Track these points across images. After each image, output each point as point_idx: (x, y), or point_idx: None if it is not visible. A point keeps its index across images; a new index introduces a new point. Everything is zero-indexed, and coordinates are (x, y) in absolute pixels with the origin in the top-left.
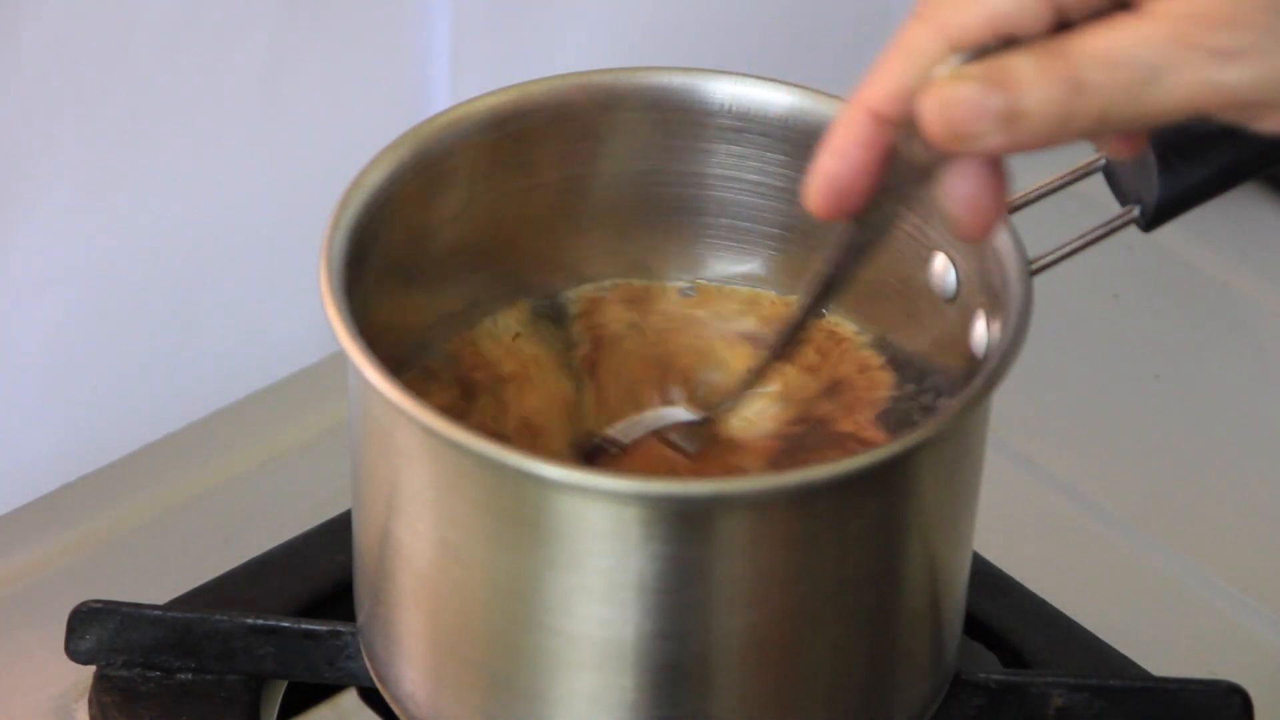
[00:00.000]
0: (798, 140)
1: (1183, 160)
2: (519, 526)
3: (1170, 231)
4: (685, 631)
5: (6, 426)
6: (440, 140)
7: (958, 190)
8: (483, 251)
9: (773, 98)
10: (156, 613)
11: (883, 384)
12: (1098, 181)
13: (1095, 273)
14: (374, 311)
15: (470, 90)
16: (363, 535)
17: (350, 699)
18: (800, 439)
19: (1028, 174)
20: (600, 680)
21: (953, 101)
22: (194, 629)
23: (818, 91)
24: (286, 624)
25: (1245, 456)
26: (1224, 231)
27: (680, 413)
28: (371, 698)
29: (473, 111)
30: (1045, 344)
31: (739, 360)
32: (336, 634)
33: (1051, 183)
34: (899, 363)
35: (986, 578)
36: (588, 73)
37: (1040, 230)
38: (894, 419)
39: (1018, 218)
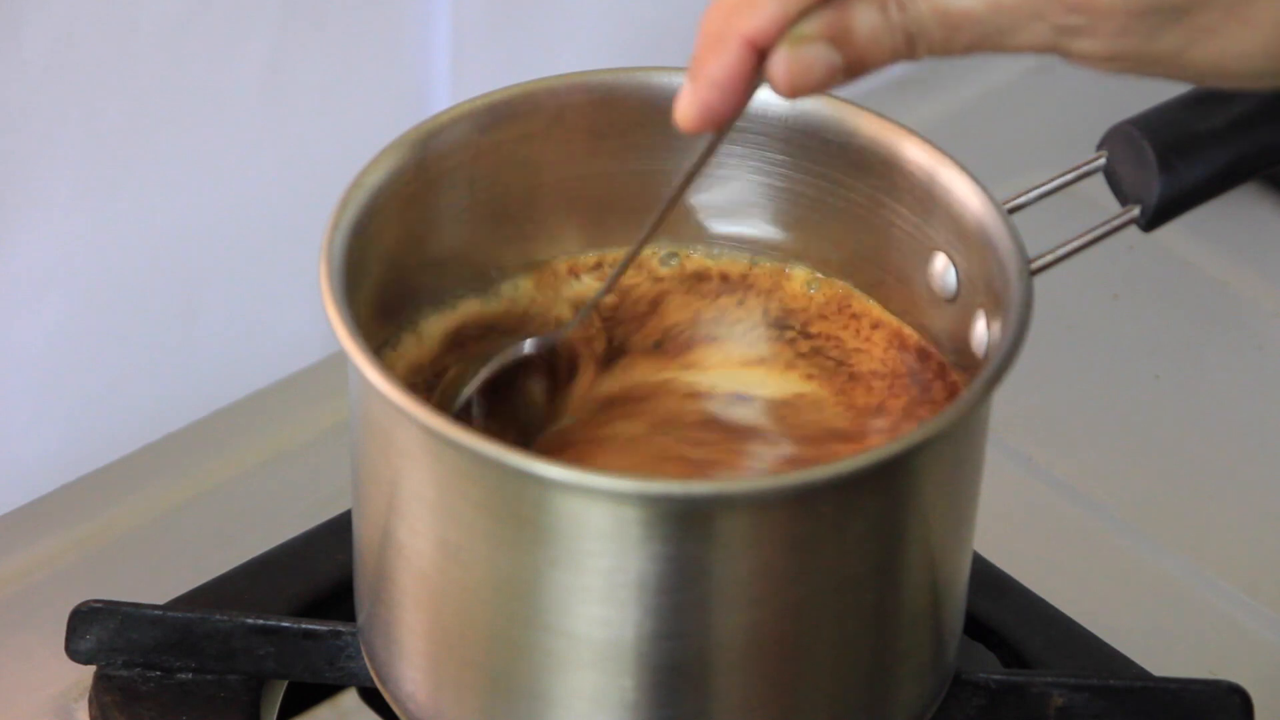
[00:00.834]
0: (798, 140)
1: (1183, 160)
2: (519, 526)
3: (1170, 231)
4: (685, 631)
5: (8, 426)
6: (440, 140)
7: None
8: (482, 251)
9: (773, 98)
10: (156, 613)
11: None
12: (1098, 181)
13: (1095, 273)
14: (374, 311)
15: (471, 90)
16: (363, 535)
17: (350, 699)
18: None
19: (1028, 174)
20: (600, 680)
21: (801, 65)
22: (194, 629)
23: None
24: (287, 624)
25: (1245, 456)
26: (1224, 231)
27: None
28: (372, 698)
29: (473, 111)
30: (1045, 344)
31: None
32: (337, 634)
33: (1051, 182)
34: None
35: (986, 578)
36: (588, 73)
37: (1040, 230)
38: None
39: (1018, 218)
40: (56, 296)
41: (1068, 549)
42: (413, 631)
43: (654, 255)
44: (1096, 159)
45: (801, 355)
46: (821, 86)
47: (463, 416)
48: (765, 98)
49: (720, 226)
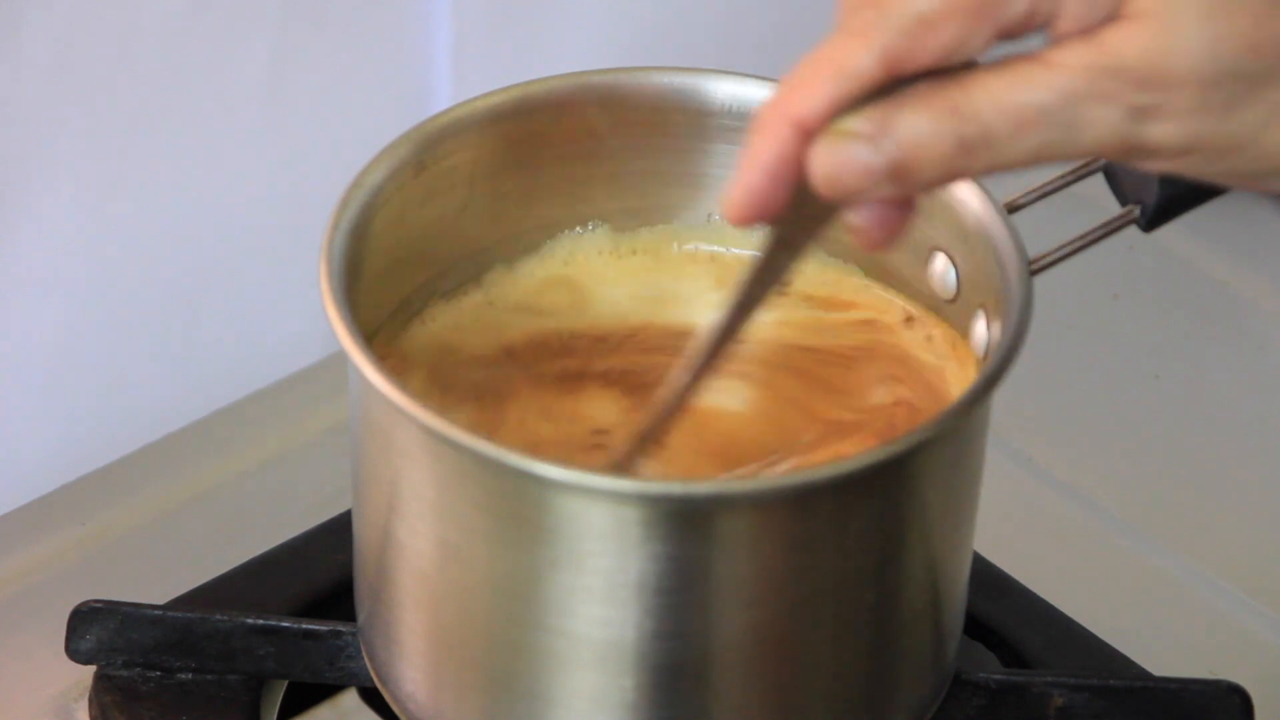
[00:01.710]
0: None
1: None
2: (519, 526)
3: (1170, 231)
4: (685, 631)
5: (8, 426)
6: (440, 140)
7: (855, 218)
8: (483, 251)
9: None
10: (156, 613)
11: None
12: (1098, 181)
13: (1095, 273)
14: (374, 311)
15: (472, 90)
16: (363, 535)
17: (350, 699)
18: None
19: (1027, 174)
20: (600, 680)
21: (837, 160)
22: (194, 629)
23: None
24: (287, 624)
25: (1245, 456)
26: (1224, 231)
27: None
28: (372, 698)
29: (473, 111)
30: (1045, 344)
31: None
32: (337, 634)
33: (1051, 183)
34: None
35: (986, 578)
36: (588, 73)
37: (1040, 230)
38: None
39: (1018, 217)
40: (57, 297)
41: (1068, 549)
42: (413, 631)
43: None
44: (1097, 159)
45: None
46: (858, 190)
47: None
48: (764, 97)
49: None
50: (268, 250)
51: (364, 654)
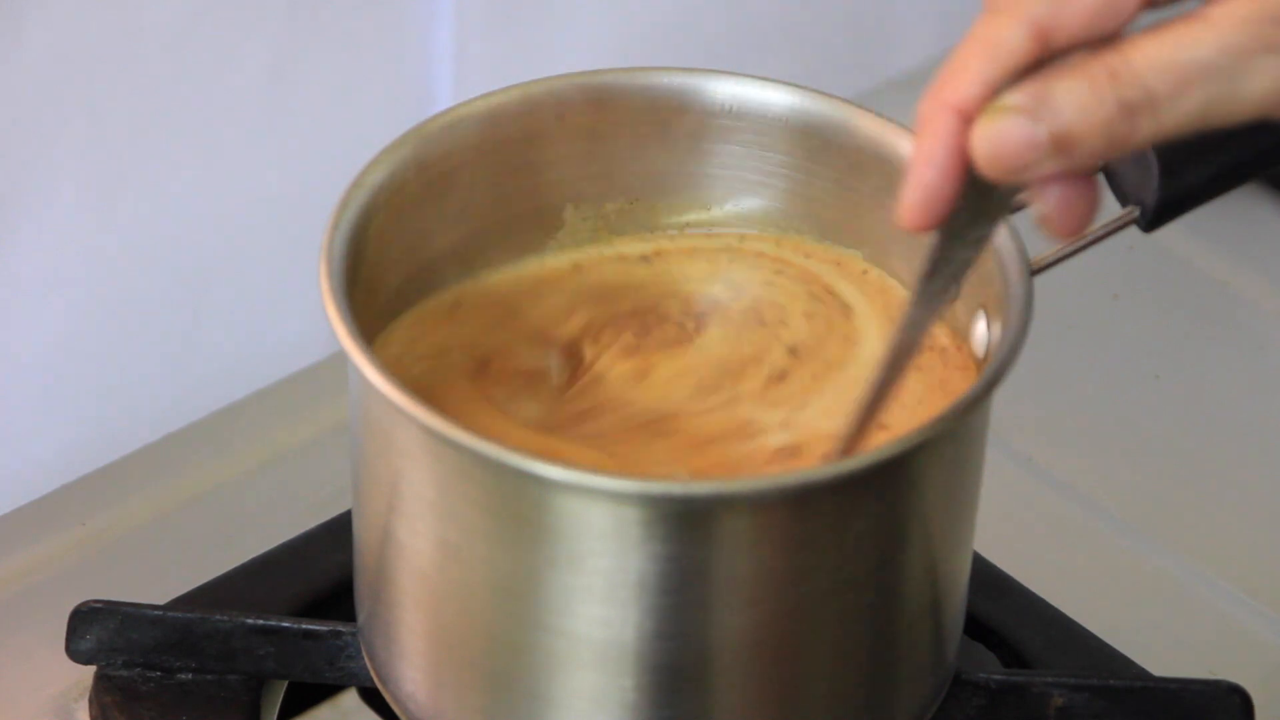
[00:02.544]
0: (798, 140)
1: (1183, 161)
2: (519, 526)
3: (1170, 231)
4: (685, 631)
5: (10, 427)
6: (441, 140)
7: (1042, 207)
8: (483, 251)
9: (773, 98)
10: (157, 613)
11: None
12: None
13: (1095, 273)
14: (374, 311)
15: (473, 91)
16: (363, 535)
17: (350, 699)
18: None
19: None
20: (600, 680)
21: (999, 138)
22: (194, 629)
23: (818, 91)
24: (287, 624)
25: (1245, 456)
26: (1224, 231)
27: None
28: (372, 698)
29: (473, 112)
30: (1045, 344)
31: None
32: (337, 634)
33: None
34: None
35: (986, 578)
36: (588, 73)
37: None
38: None
39: (1018, 218)
40: (58, 297)
41: (1068, 549)
42: (413, 631)
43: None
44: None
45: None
46: (1025, 165)
47: None
48: (765, 97)
49: (720, 227)
50: (268, 250)
51: (364, 654)
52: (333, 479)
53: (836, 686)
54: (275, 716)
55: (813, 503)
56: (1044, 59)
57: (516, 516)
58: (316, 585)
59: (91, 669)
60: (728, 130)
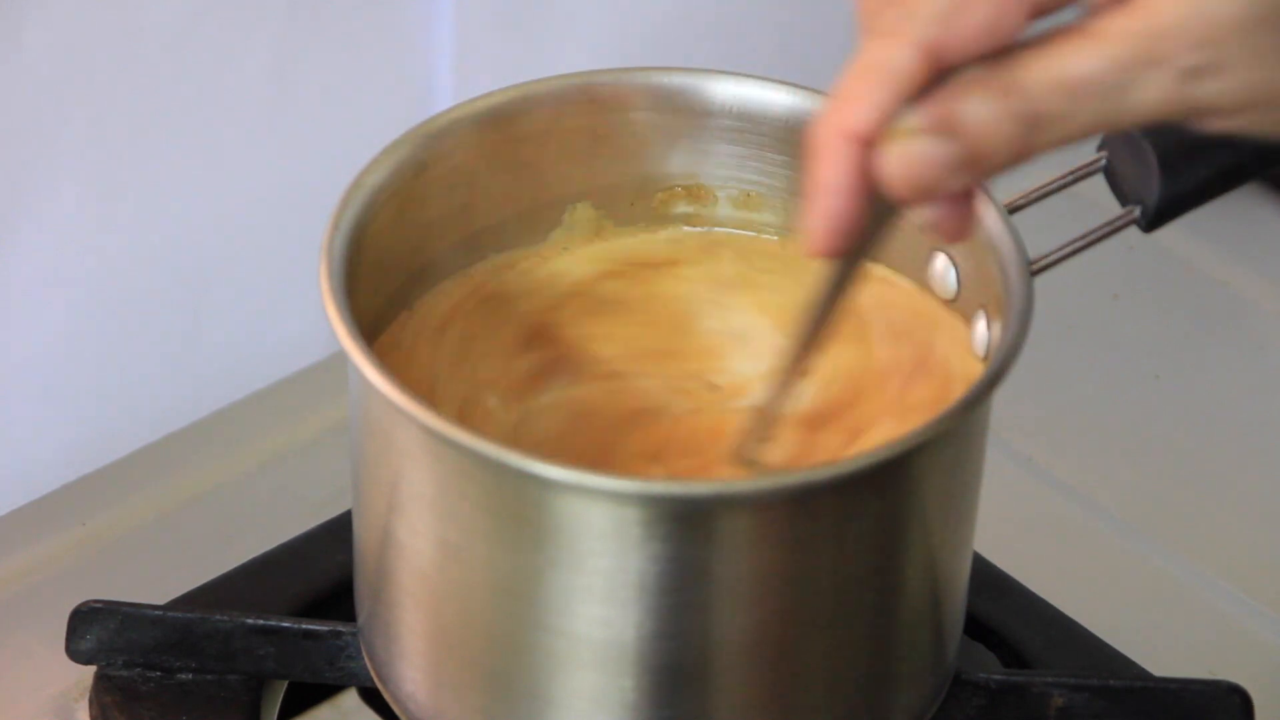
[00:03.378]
0: (798, 140)
1: (1183, 161)
2: (519, 526)
3: (1170, 231)
4: (685, 631)
5: (10, 427)
6: (441, 140)
7: (929, 216)
8: (483, 250)
9: (773, 98)
10: (157, 613)
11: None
12: (1098, 181)
13: (1095, 273)
14: (375, 311)
15: (474, 91)
16: (363, 535)
17: (351, 699)
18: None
19: (1028, 174)
20: (600, 680)
21: (909, 160)
22: (194, 629)
23: (818, 91)
24: (287, 624)
25: (1245, 456)
26: (1224, 231)
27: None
28: (372, 698)
29: (473, 112)
30: (1045, 344)
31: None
32: (337, 634)
33: (1051, 183)
34: None
35: (986, 578)
36: (588, 73)
37: (1040, 230)
38: None
39: (1018, 218)
40: (58, 297)
41: (1068, 549)
42: (413, 631)
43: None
44: (1096, 159)
45: None
46: (943, 184)
47: None
48: (765, 97)
49: (720, 227)
50: (268, 250)
51: (364, 654)
52: (333, 479)
53: (836, 686)
54: (275, 716)
55: (813, 503)
56: (935, 78)
57: (516, 516)
58: (316, 585)
59: (91, 669)
60: (728, 130)
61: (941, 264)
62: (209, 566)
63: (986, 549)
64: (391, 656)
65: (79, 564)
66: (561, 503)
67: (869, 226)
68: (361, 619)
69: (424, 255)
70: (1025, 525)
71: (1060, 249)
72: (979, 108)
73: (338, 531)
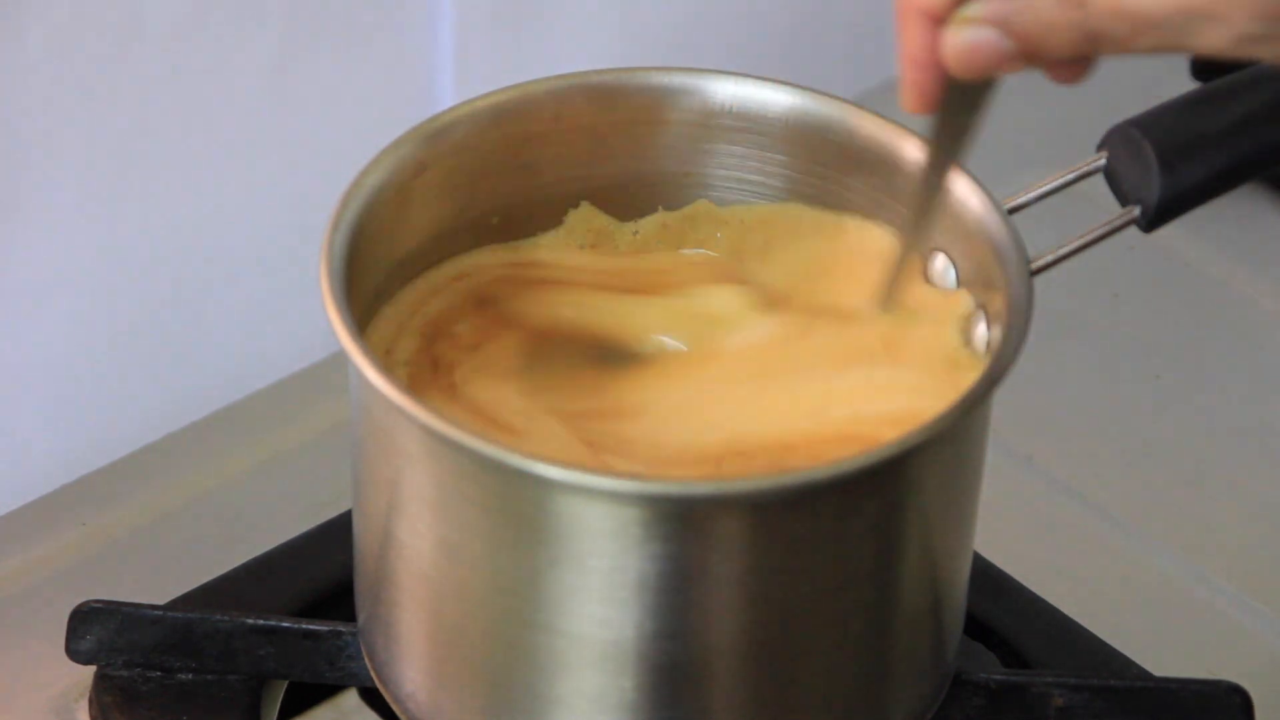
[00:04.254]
0: (798, 140)
1: (1183, 161)
2: (519, 526)
3: (1170, 231)
4: (685, 631)
5: (10, 427)
6: (441, 140)
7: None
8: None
9: (773, 98)
10: (157, 613)
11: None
12: (1098, 181)
13: (1095, 273)
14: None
15: (474, 91)
16: (363, 535)
17: (351, 699)
18: None
19: (1028, 174)
20: (600, 680)
21: (967, 46)
22: (194, 629)
23: (818, 91)
24: (287, 624)
25: (1245, 456)
26: (1224, 231)
27: None
28: (372, 698)
29: (473, 112)
30: (1045, 344)
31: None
32: (337, 634)
33: (1051, 183)
34: None
35: (986, 578)
36: (588, 73)
37: (1040, 230)
38: None
39: (1018, 218)
40: (58, 297)
41: (1068, 549)
42: (413, 631)
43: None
44: (1096, 159)
45: None
46: (991, 69)
47: None
48: (765, 97)
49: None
50: (268, 250)
51: (364, 654)
52: (333, 479)
53: (836, 686)
54: (275, 716)
55: (812, 503)
56: None
57: (516, 516)
58: (316, 585)
59: (91, 669)
60: (728, 130)
61: (941, 263)
62: (209, 566)
63: (986, 549)
64: (391, 656)
65: (79, 564)
66: (561, 503)
67: (962, 86)
68: (361, 619)
69: (425, 255)
70: (1025, 525)
71: (1060, 249)
72: (1043, 9)
73: (338, 531)
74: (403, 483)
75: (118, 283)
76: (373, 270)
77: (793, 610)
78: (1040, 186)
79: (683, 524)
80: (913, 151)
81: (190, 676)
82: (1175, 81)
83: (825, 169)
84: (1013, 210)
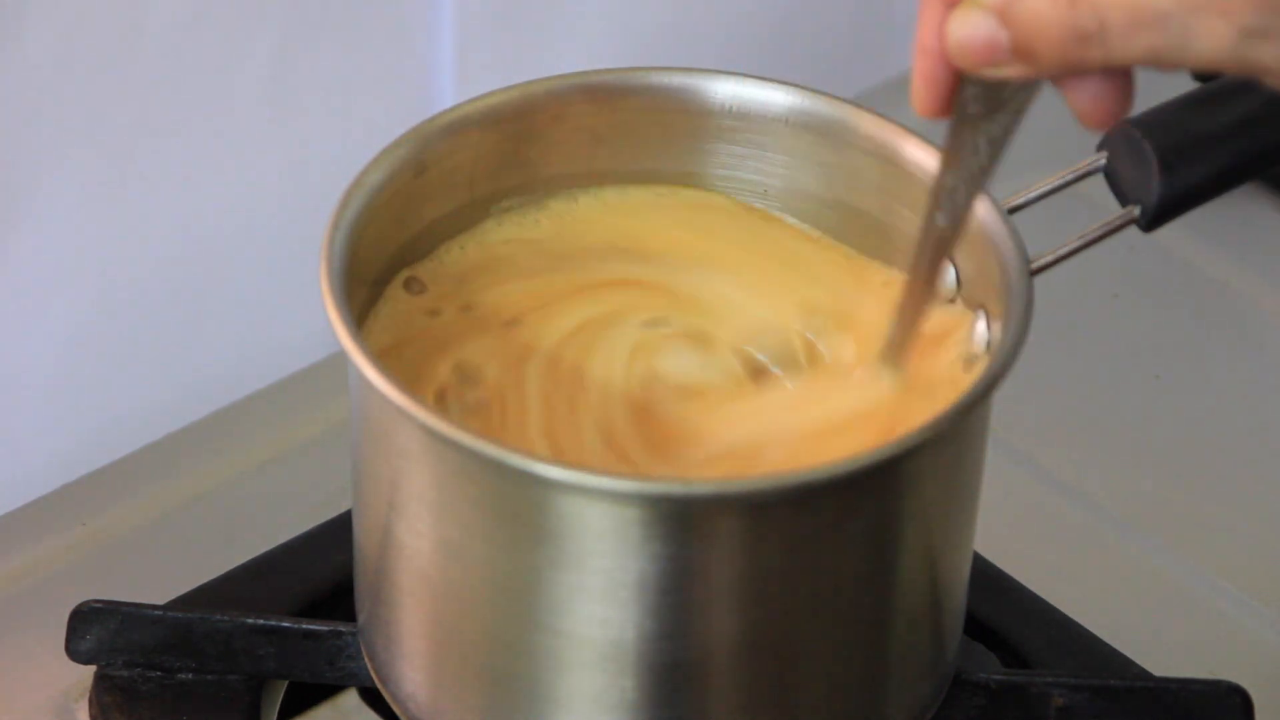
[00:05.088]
0: (798, 140)
1: (1183, 161)
2: (519, 526)
3: (1170, 231)
4: (685, 631)
5: (11, 426)
6: (441, 140)
7: (1072, 99)
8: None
9: (773, 98)
10: (157, 613)
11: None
12: (1098, 181)
13: (1095, 273)
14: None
15: (475, 91)
16: (363, 535)
17: (351, 699)
18: None
19: (1028, 174)
20: (600, 680)
21: (965, 32)
22: (194, 629)
23: (818, 91)
24: (287, 624)
25: (1245, 456)
26: (1224, 231)
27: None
28: (372, 698)
29: (473, 112)
30: (1045, 344)
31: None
32: (337, 634)
33: (1051, 183)
34: None
35: (986, 578)
36: (588, 73)
37: (1040, 230)
38: None
39: (1018, 218)
40: (58, 297)
41: (1068, 549)
42: (413, 632)
43: None
44: (1096, 159)
45: None
46: (985, 63)
47: None
48: (765, 97)
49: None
50: (268, 250)
51: (364, 654)
52: (333, 479)
53: (836, 686)
54: (275, 716)
55: (812, 503)
56: None
57: (516, 516)
58: (316, 585)
59: (91, 669)
60: (728, 130)
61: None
62: (209, 566)
63: (986, 549)
64: (391, 656)
65: (79, 564)
66: (561, 503)
67: (979, 94)
68: (361, 619)
69: (424, 255)
70: (1025, 525)
71: (1060, 249)
72: (1039, 5)
73: (338, 531)
74: (403, 483)
75: (118, 283)
76: (373, 270)
77: (793, 610)
78: (1040, 186)
79: (683, 524)
80: (913, 152)
81: (190, 676)
82: (1175, 81)
83: (825, 168)
84: (1013, 210)
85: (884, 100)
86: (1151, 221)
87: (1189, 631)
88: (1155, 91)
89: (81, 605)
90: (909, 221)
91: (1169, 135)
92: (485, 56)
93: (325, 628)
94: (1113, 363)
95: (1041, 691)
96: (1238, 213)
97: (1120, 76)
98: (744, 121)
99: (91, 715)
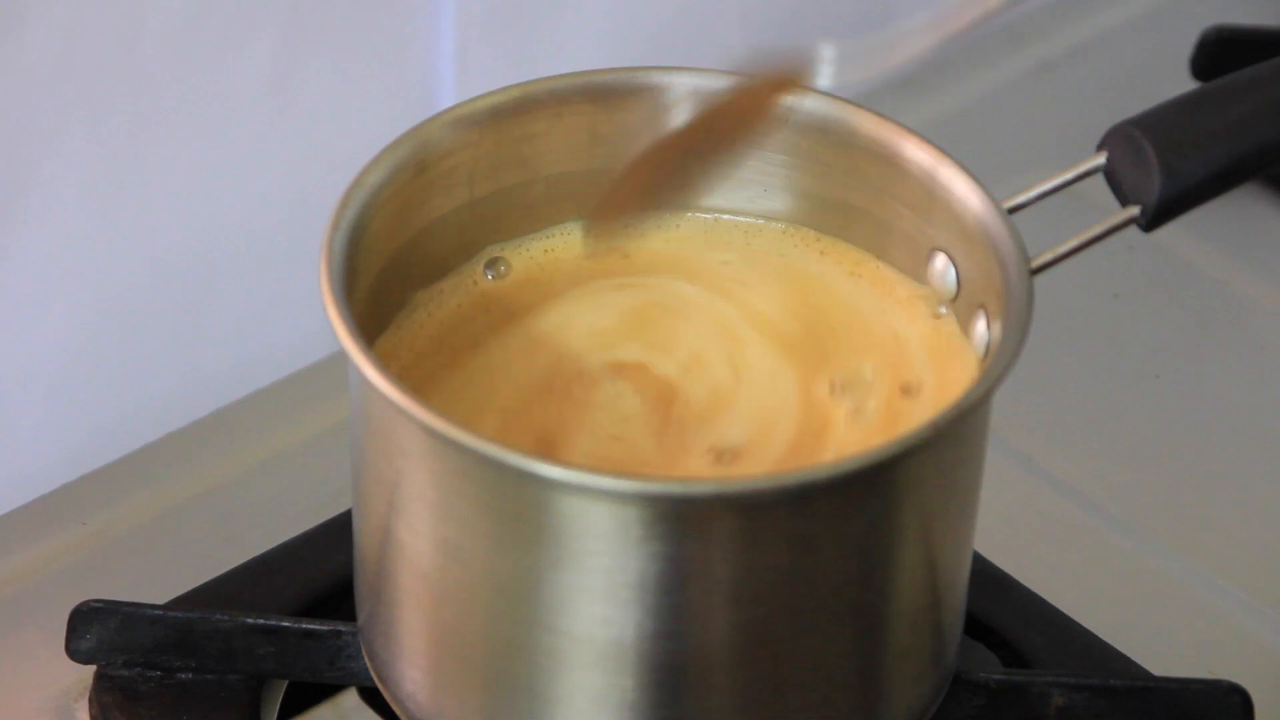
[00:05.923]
0: (797, 139)
1: (1183, 160)
2: (519, 526)
3: (1170, 231)
4: (685, 631)
5: (11, 426)
6: (441, 140)
7: None
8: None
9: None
10: (157, 612)
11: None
12: (1098, 181)
13: (1095, 273)
14: (375, 311)
15: (475, 91)
16: (363, 535)
17: (351, 699)
18: None
19: (1028, 174)
20: (600, 680)
21: None
22: (194, 629)
23: (818, 91)
24: (287, 624)
25: (1245, 456)
26: (1224, 231)
27: None
28: (372, 698)
29: (473, 111)
30: (1045, 344)
31: None
32: (337, 634)
33: (1051, 183)
34: None
35: (986, 578)
36: (588, 73)
37: (1040, 230)
38: None
39: (1018, 218)
40: (59, 297)
41: (1068, 549)
42: (413, 631)
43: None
44: (1096, 159)
45: None
46: None
47: None
48: None
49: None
50: (269, 250)
51: (364, 654)
52: (333, 479)
53: (836, 686)
54: (275, 716)
55: (812, 503)
56: None
57: (516, 516)
58: (316, 585)
59: (91, 669)
60: None
61: (941, 263)
62: (209, 566)
63: (986, 549)
64: (391, 656)
65: (79, 564)
66: (561, 503)
67: None
68: (361, 619)
69: (424, 255)
70: (1025, 525)
71: (1060, 248)
72: None
73: (338, 531)
74: (403, 483)
75: (118, 282)
76: (373, 270)
77: (792, 610)
78: (1040, 186)
79: (683, 524)
80: (913, 151)
81: (190, 676)
82: (1175, 81)
83: (824, 168)
84: (1013, 210)
85: (884, 100)
86: (1151, 221)
87: (1189, 631)
88: (1155, 91)
89: (81, 605)
90: (907, 220)
91: (1169, 135)
92: (485, 56)
93: (325, 627)
94: (1113, 363)
95: (1041, 691)
96: (1238, 213)
97: None
98: None
99: (91, 715)
